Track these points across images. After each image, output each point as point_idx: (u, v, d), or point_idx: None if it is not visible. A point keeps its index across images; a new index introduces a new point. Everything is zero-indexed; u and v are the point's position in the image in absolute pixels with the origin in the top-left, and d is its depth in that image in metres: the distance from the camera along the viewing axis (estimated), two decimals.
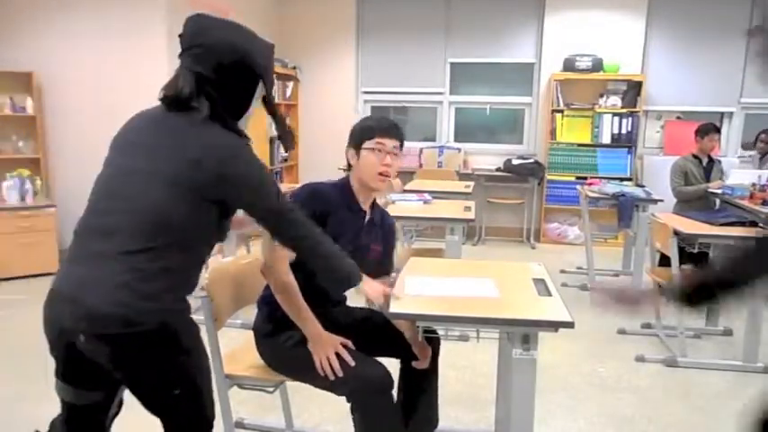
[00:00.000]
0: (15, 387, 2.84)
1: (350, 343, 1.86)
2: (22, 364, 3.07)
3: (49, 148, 5.10)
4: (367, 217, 2.02)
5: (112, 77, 4.86)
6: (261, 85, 1.58)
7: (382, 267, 2.12)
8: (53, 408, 1.53)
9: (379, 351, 2.05)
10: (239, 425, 2.47)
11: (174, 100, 1.48)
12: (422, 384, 2.10)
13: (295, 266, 1.85)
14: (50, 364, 1.50)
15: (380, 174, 1.92)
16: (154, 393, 1.50)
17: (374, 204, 2.08)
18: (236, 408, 2.06)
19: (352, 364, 1.80)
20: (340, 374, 1.78)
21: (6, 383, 2.89)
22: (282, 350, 1.91)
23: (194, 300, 1.54)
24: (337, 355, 1.81)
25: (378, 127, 1.94)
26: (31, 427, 1.66)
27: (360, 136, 1.95)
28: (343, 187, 1.99)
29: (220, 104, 1.50)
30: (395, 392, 2.03)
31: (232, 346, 2.06)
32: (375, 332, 2.06)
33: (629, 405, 2.85)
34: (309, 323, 1.84)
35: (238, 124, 1.56)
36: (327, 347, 1.81)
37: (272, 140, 6.27)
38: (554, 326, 1.61)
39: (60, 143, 5.09)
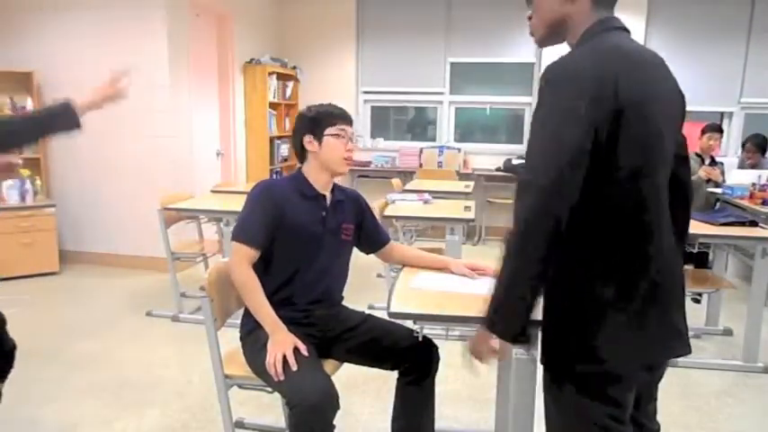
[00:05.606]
0: (15, 388, 2.83)
1: (304, 348, 1.81)
2: (22, 365, 3.06)
3: (49, 148, 5.10)
4: (329, 200, 2.04)
5: None
6: None
7: (377, 238, 2.18)
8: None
9: (373, 361, 2.03)
10: (239, 425, 2.47)
11: None
12: (417, 398, 2.04)
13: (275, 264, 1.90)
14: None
15: (345, 159, 1.98)
16: None
17: (334, 186, 2.09)
18: (236, 408, 2.05)
19: (294, 369, 1.74)
20: (281, 378, 1.74)
21: (6, 384, 2.89)
22: (253, 350, 1.91)
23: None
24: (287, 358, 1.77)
25: (338, 114, 2.00)
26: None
27: (321, 122, 1.98)
28: (296, 178, 2.02)
29: None
30: (390, 406, 2.02)
31: (232, 346, 2.06)
32: (371, 340, 2.02)
33: None
34: (268, 321, 1.85)
35: None
36: (279, 347, 1.78)
37: (272, 140, 6.27)
38: None
39: (60, 143, 5.07)
